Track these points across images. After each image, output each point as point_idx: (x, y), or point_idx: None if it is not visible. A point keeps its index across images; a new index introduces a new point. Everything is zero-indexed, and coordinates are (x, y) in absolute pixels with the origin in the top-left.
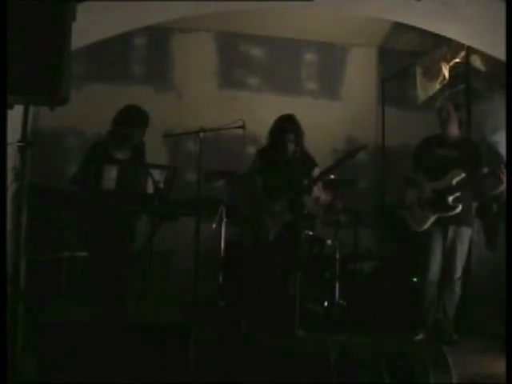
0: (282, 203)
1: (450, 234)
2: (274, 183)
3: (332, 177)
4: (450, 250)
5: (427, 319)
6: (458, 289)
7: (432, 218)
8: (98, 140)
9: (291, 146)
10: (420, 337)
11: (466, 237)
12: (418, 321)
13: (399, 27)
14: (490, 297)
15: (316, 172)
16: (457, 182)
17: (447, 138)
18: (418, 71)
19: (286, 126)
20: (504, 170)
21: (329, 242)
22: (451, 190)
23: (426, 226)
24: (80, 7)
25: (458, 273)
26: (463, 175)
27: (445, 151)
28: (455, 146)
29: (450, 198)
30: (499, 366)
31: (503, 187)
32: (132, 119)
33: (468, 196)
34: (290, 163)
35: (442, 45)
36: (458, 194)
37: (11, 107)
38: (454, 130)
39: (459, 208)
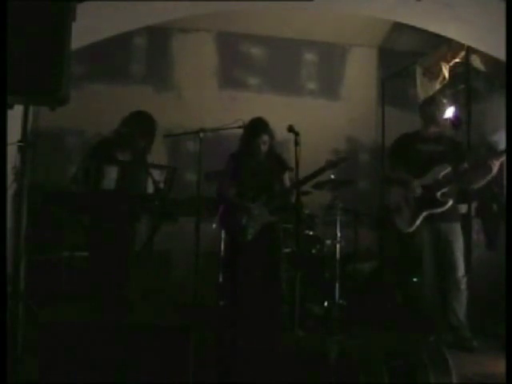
0: (260, 205)
1: (442, 231)
2: (248, 185)
3: (332, 177)
4: (445, 249)
5: (433, 320)
6: (463, 286)
7: (421, 216)
8: (100, 140)
9: (263, 148)
10: (431, 339)
11: (458, 232)
12: (427, 322)
13: (399, 27)
14: (490, 297)
15: (286, 175)
16: (444, 177)
17: (428, 133)
18: (418, 71)
19: (258, 128)
20: (494, 160)
21: (328, 242)
22: (439, 185)
23: (415, 225)
24: (80, 7)
25: (461, 270)
26: (449, 169)
27: (428, 147)
28: (437, 141)
29: (439, 194)
30: (499, 366)
31: (491, 176)
32: (141, 127)
33: (454, 191)
34: (263, 166)
35: (441, 45)
36: (446, 189)
37: (11, 107)
38: (435, 127)
39: (450, 203)
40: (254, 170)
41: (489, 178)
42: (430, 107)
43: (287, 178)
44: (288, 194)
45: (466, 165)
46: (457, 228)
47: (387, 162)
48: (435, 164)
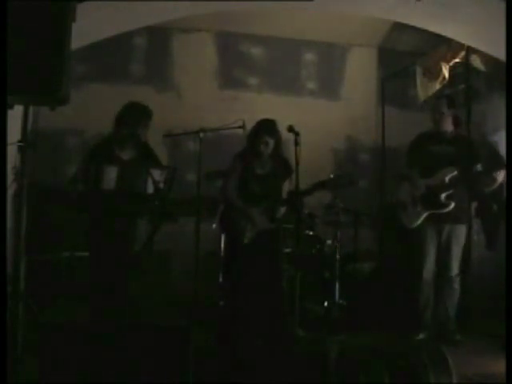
0: (260, 211)
1: (445, 231)
2: (251, 189)
3: (331, 176)
4: (445, 248)
5: (425, 318)
6: (456, 285)
7: (424, 215)
8: (100, 140)
9: (264, 150)
10: (421, 336)
11: (460, 234)
12: (417, 320)
13: (399, 27)
14: (489, 297)
15: (287, 183)
16: (449, 180)
17: (442, 134)
18: (418, 71)
19: (265, 130)
20: (500, 170)
21: (329, 242)
22: (444, 187)
23: (418, 223)
24: (80, 7)
25: (455, 270)
26: (456, 172)
27: (439, 147)
28: (450, 142)
29: (443, 196)
30: (499, 366)
31: (496, 185)
32: (135, 117)
33: (463, 193)
34: (267, 169)
35: (441, 45)
36: (450, 192)
37: (11, 107)
38: (448, 127)
39: (451, 206)
40: (257, 173)
41: (496, 186)
42: (440, 104)
43: (287, 185)
44: (286, 204)
45: (479, 167)
46: (460, 230)
47: (404, 160)
48: (443, 166)
